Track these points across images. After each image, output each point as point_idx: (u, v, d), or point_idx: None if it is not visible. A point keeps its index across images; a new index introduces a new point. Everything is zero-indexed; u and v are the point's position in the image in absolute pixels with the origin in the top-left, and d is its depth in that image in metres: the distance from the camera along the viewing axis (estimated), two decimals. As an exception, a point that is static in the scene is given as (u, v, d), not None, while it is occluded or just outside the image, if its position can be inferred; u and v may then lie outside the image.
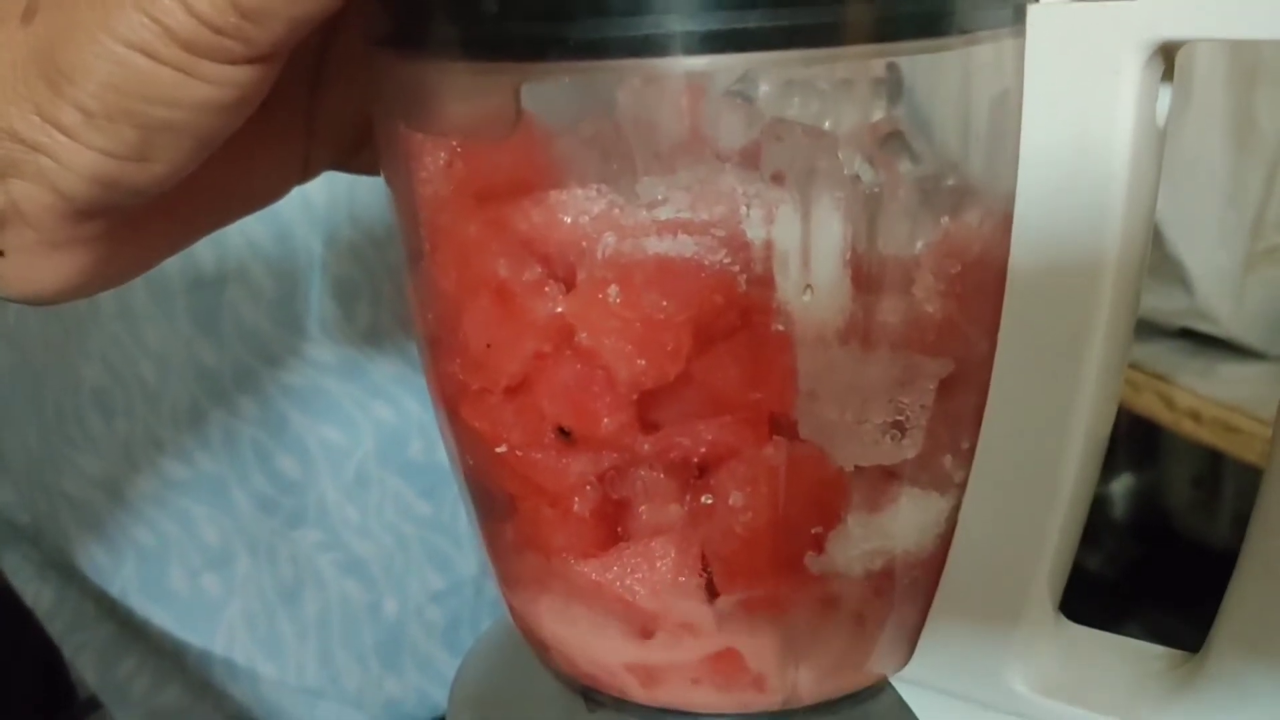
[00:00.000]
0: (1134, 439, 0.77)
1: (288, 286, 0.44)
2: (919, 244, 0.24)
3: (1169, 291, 0.54)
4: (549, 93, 0.24)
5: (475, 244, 0.24)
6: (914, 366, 0.24)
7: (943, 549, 0.25)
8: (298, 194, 0.43)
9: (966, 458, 0.25)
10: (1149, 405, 0.55)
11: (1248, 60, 0.47)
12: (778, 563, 0.24)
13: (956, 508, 0.25)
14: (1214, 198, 0.50)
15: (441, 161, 0.24)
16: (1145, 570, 0.77)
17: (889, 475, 0.24)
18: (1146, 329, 0.59)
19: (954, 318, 0.24)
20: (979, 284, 0.24)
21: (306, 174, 0.28)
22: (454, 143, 0.24)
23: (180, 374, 0.45)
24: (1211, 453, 0.67)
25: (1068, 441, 0.24)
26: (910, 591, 0.26)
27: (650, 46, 0.21)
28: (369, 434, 0.47)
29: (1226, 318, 0.54)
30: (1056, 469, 0.24)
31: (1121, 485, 0.80)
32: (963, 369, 0.24)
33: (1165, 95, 0.22)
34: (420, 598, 0.50)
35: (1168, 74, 0.21)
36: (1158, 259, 0.54)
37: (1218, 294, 0.53)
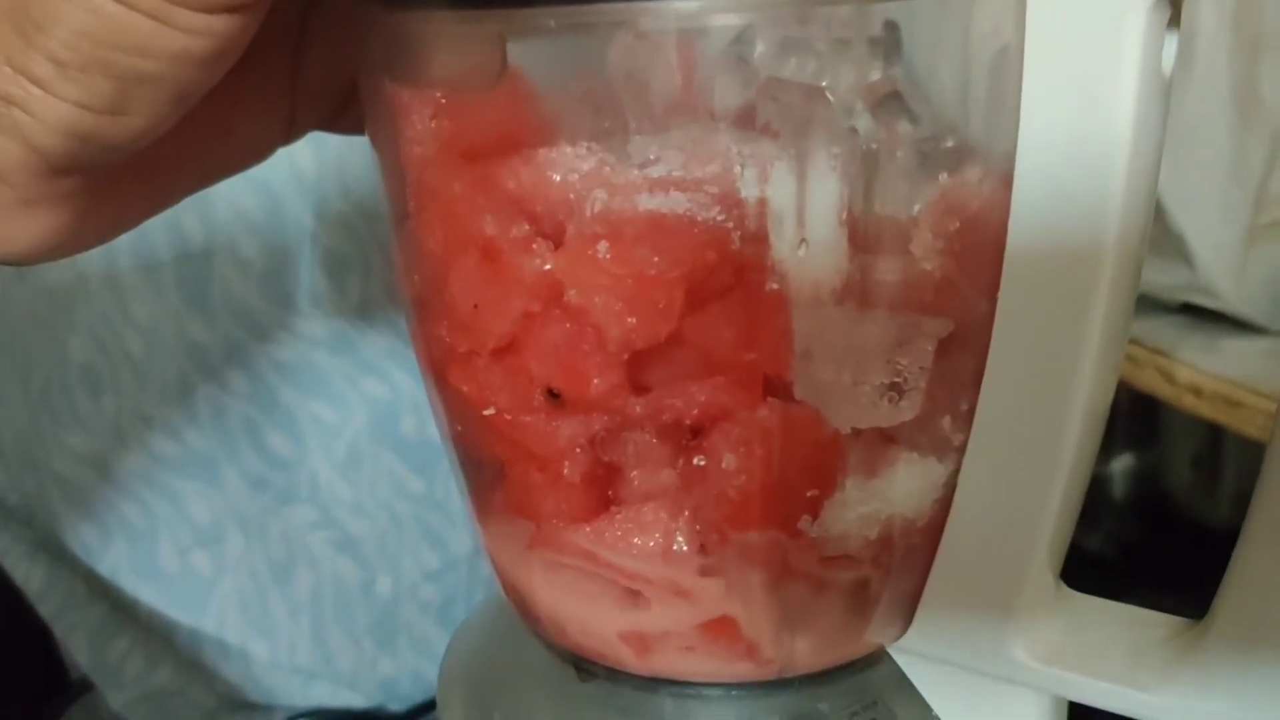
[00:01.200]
0: (1133, 418, 0.77)
1: (278, 259, 0.44)
2: (917, 203, 0.23)
3: (1170, 265, 0.54)
4: (540, 49, 0.24)
5: (462, 202, 0.24)
6: (912, 326, 0.23)
7: (942, 515, 0.25)
8: (287, 165, 0.43)
9: (966, 421, 0.24)
10: (1150, 380, 0.54)
11: (1251, 31, 0.46)
12: (772, 527, 0.24)
13: (955, 472, 0.25)
14: (1216, 170, 0.49)
15: (428, 118, 0.24)
16: (1144, 550, 0.76)
17: (886, 438, 0.24)
18: (1147, 304, 0.59)
19: (953, 277, 0.23)
20: (978, 243, 0.23)
21: (290, 135, 0.28)
22: (440, 98, 0.24)
23: (169, 349, 0.44)
24: (1211, 432, 0.67)
25: (1069, 408, 0.23)
26: (908, 558, 0.25)
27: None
28: (361, 410, 0.47)
29: (1228, 292, 0.53)
30: (1058, 436, 0.24)
31: (1120, 465, 0.80)
32: (962, 330, 0.24)
33: (1171, 43, 0.21)
34: (414, 576, 0.50)
35: (1174, 20, 0.21)
36: (1158, 232, 0.53)
37: (1219, 268, 0.53)
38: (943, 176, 0.23)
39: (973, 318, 0.23)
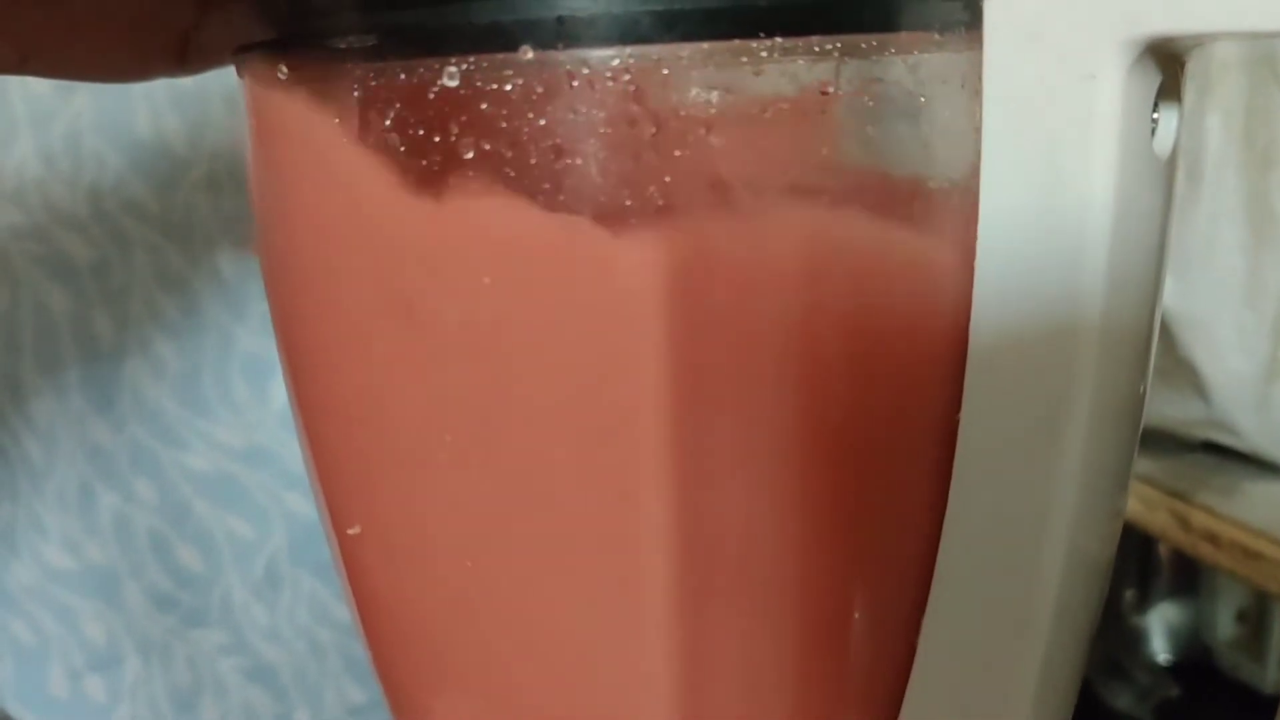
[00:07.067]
0: (1172, 567, 0.71)
1: (194, 362, 0.40)
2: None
3: (1183, 399, 0.49)
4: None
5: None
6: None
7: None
8: (205, 262, 0.39)
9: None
10: (1162, 525, 0.49)
11: (1262, 143, 0.43)
12: None
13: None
14: (1228, 294, 0.45)
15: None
16: (1183, 712, 0.70)
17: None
18: (1164, 441, 0.54)
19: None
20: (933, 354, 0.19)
21: (185, 60, 0.20)
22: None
23: (69, 454, 0.40)
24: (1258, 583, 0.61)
25: (1041, 556, 0.19)
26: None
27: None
28: (280, 527, 0.43)
29: (1250, 429, 0.49)
30: (1029, 594, 0.19)
31: (1158, 617, 0.73)
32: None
33: (1170, 118, 0.17)
34: (336, 711, 0.45)
35: (1171, 90, 0.17)
36: (1169, 362, 0.49)
37: (1238, 403, 0.48)
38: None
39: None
